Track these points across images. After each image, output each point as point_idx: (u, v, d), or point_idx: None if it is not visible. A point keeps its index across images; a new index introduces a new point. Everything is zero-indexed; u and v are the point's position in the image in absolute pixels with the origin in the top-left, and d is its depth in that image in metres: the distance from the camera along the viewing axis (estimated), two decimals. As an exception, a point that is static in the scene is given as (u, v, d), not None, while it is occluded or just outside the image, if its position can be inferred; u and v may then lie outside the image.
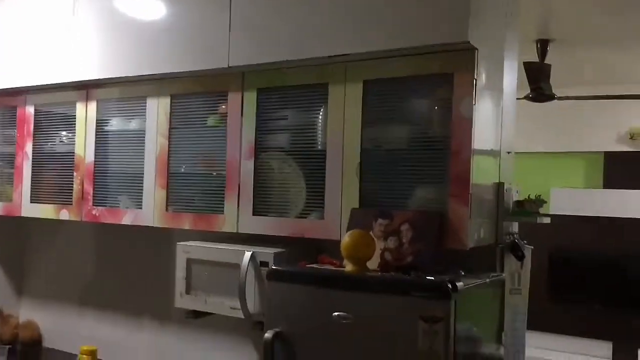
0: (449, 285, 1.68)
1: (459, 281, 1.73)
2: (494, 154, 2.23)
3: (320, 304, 1.87)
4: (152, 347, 3.06)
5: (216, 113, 2.60)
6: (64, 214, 2.97)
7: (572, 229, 5.40)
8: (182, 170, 2.69)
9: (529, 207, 2.21)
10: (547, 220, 2.34)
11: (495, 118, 2.25)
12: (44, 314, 3.49)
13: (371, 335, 1.77)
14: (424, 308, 1.67)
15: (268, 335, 1.92)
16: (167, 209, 2.64)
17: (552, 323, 5.11)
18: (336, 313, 1.82)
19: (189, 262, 2.50)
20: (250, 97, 2.44)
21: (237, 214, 2.44)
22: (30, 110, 3.16)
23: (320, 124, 2.35)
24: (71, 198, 2.94)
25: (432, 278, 1.77)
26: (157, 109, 2.69)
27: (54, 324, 3.45)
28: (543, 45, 4.25)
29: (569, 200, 5.48)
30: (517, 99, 2.58)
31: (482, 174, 2.09)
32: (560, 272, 5.58)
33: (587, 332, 5.25)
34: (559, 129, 5.81)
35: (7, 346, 3.30)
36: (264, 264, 2.29)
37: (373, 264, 2.03)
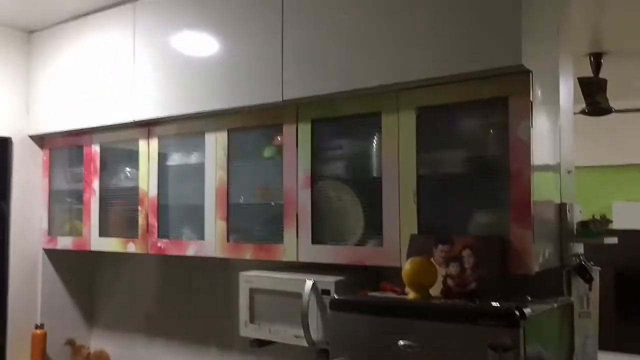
0: (517, 313, 1.66)
1: (527, 307, 1.70)
2: (554, 172, 2.20)
3: (384, 332, 1.87)
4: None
5: (272, 145, 2.67)
6: (131, 247, 3.09)
7: (637, 243, 5.18)
8: (241, 201, 2.76)
9: (594, 228, 2.15)
10: (614, 240, 2.27)
11: (552, 136, 2.22)
12: (113, 344, 3.62)
13: (438, 363, 1.77)
14: (493, 336, 1.66)
15: (334, 364, 1.93)
16: (228, 240, 2.71)
17: (621, 342, 4.90)
18: (402, 342, 1.82)
19: (252, 291, 2.56)
20: (305, 128, 2.50)
21: (296, 243, 2.48)
22: (96, 148, 3.32)
23: (375, 152, 2.38)
24: (137, 231, 3.06)
25: (499, 305, 1.75)
26: (215, 143, 2.79)
27: (124, 353, 3.57)
28: (597, 59, 4.16)
29: (632, 214, 5.27)
30: (574, 113, 2.54)
31: (543, 194, 2.06)
32: (627, 289, 5.35)
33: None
34: (617, 142, 5.63)
35: (81, 376, 3.44)
36: (326, 292, 2.32)
37: (435, 290, 2.02)
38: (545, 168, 2.11)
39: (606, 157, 5.70)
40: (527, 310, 1.69)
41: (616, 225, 4.90)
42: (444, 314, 1.80)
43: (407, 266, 2.00)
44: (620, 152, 5.68)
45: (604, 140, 5.51)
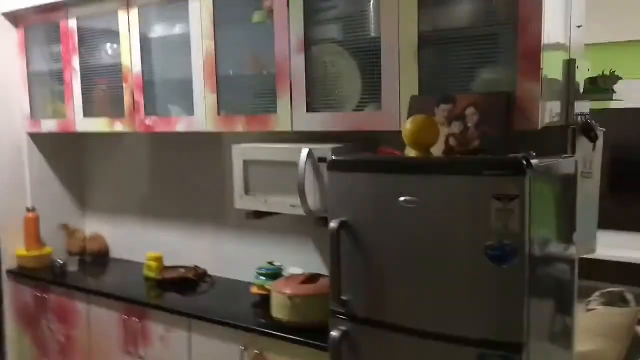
0: (524, 162, 1.59)
1: (533, 158, 1.64)
2: (564, 26, 2.06)
3: (385, 190, 1.82)
4: (214, 249, 3.13)
5: (261, 8, 2.48)
6: (118, 126, 2.98)
7: (633, 123, 5.13)
8: (231, 72, 2.62)
9: (602, 84, 2.06)
10: (622, 99, 2.19)
11: (563, -12, 2.06)
12: (108, 227, 3.61)
13: (440, 218, 1.73)
14: (497, 186, 1.60)
15: (333, 224, 1.90)
16: (219, 113, 2.60)
17: (612, 221, 4.98)
18: (402, 198, 1.77)
19: (246, 163, 2.48)
20: (297, -13, 2.31)
21: (290, 112, 2.38)
22: (72, 24, 3.11)
23: (373, 10, 2.21)
24: (123, 110, 2.94)
25: (504, 156, 1.68)
26: (200, 10, 2.59)
27: (119, 235, 3.57)
28: None
29: (629, 92, 5.16)
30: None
31: (552, 50, 1.94)
32: (623, 167, 5.37)
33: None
34: (626, 17, 5.39)
35: (77, 257, 3.44)
36: (322, 159, 2.25)
37: (437, 150, 1.95)
38: (555, 20, 1.97)
39: (607, 34, 5.50)
40: (533, 160, 1.62)
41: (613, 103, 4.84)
42: (446, 167, 1.73)
43: (407, 125, 1.91)
44: (620, 29, 5.46)
45: (613, 15, 5.29)
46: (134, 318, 2.77)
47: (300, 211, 2.32)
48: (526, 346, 1.64)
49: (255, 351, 2.36)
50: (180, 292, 2.88)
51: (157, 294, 2.87)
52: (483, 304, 1.68)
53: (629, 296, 4.37)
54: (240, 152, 2.50)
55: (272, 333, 2.32)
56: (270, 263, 2.72)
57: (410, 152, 1.93)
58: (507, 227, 1.60)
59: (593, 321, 2.96)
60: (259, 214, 2.54)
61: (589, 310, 3.38)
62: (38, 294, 3.18)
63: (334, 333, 1.92)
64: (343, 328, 1.93)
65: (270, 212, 2.49)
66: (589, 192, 2.23)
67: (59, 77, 3.25)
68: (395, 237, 1.81)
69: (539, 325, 1.77)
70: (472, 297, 1.69)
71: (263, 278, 2.66)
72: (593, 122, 2.11)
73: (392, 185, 1.80)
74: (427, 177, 1.74)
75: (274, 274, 2.66)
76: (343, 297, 1.91)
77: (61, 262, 3.22)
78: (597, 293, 4.38)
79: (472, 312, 1.69)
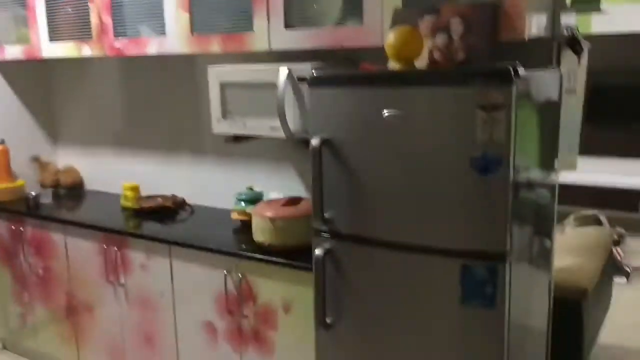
0: (511, 71, 1.55)
1: (519, 68, 1.59)
2: None
3: (368, 105, 1.77)
4: (192, 177, 3.08)
5: None
6: (86, 50, 2.84)
7: (614, 49, 5.11)
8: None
9: (590, -6, 2.00)
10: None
11: None
12: (82, 159, 3.52)
13: (424, 131, 1.69)
14: (483, 95, 1.56)
15: (315, 142, 1.85)
16: (192, 33, 2.48)
17: (590, 146, 5.04)
18: (386, 112, 1.73)
19: (223, 86, 2.40)
20: None
21: (267, 29, 2.28)
22: (31, -60, 2.91)
23: None
24: (90, 32, 2.79)
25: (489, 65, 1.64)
26: None
27: (93, 167, 3.48)
28: None
29: (614, 17, 5.09)
30: None
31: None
32: (602, 93, 5.39)
33: (621, 151, 5.20)
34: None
35: (51, 189, 3.36)
36: (302, 79, 2.18)
37: (421, 64, 1.90)
38: None
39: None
40: (520, 69, 1.58)
41: (593, 28, 4.80)
42: (431, 78, 1.68)
43: (390, 37, 1.84)
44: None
45: None
46: (113, 247, 2.74)
47: (280, 133, 2.27)
48: (510, 256, 1.65)
49: (239, 275, 2.36)
50: (159, 220, 2.84)
51: (136, 224, 2.83)
52: (467, 215, 1.67)
53: (603, 219, 4.48)
54: (216, 75, 2.41)
55: (255, 257, 2.30)
56: (250, 189, 2.69)
57: (394, 66, 1.87)
58: (492, 138, 1.58)
59: (570, 240, 3.03)
60: (237, 139, 2.48)
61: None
62: (13, 227, 3.12)
63: (317, 252, 1.92)
64: (327, 246, 1.92)
65: (249, 136, 2.43)
66: (572, 109, 2.21)
67: (21, 0, 3.06)
68: (379, 152, 1.78)
69: (521, 237, 1.78)
70: (456, 209, 1.69)
71: (243, 204, 2.63)
72: (579, 35, 2.07)
73: (376, 99, 1.75)
74: (411, 89, 1.69)
75: (255, 199, 2.62)
76: (326, 215, 1.89)
77: (34, 194, 3.14)
78: (572, 216, 4.48)
79: (456, 224, 1.69)
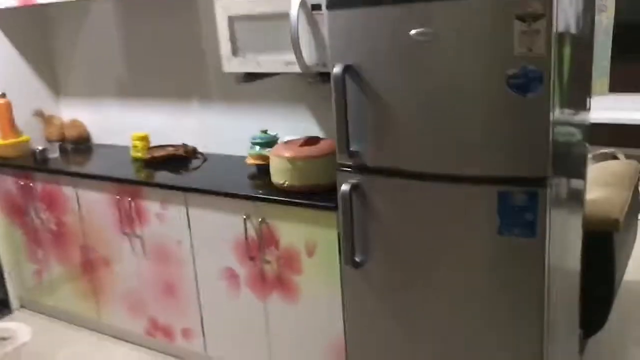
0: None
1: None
2: None
3: (392, 25, 1.64)
4: (202, 125, 2.98)
5: None
6: (84, -7, 2.69)
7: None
8: None
9: None
10: None
11: None
12: (86, 112, 3.40)
13: (456, 50, 1.57)
14: (522, 4, 1.43)
15: (337, 69, 1.73)
16: (196, -34, 2.34)
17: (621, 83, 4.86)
18: (414, 31, 1.60)
19: (231, 20, 2.26)
20: None
21: (277, -44, 2.13)
22: None
23: None
24: (87, -27, 2.64)
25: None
26: None
27: (99, 119, 3.37)
28: None
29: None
30: None
31: None
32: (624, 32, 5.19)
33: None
34: None
35: (57, 144, 3.27)
36: (316, 7, 2.04)
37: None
38: None
39: None
40: (562, -25, 1.44)
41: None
42: (464, -9, 1.54)
43: (414, -48, 1.69)
44: None
45: None
46: (126, 198, 2.66)
47: (295, 68, 2.14)
48: (550, 180, 1.56)
49: (259, 219, 2.28)
50: (171, 170, 2.75)
51: (148, 173, 2.74)
52: (504, 139, 1.57)
53: (621, 156, 4.36)
54: (223, 7, 2.26)
55: (274, 199, 2.22)
56: (265, 132, 2.58)
57: (418, -16, 1.73)
58: (532, 51, 1.46)
59: (596, 174, 2.93)
60: (250, 77, 2.36)
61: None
62: (22, 183, 3.04)
63: (344, 187, 1.82)
64: (353, 181, 1.83)
65: (262, 73, 2.31)
66: (604, 28, 2.08)
67: (10, -57, 2.89)
68: (406, 77, 1.66)
69: (560, 164, 1.68)
70: (492, 134, 1.58)
71: (258, 148, 2.53)
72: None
73: (401, 17, 1.62)
74: (441, 2, 1.56)
75: (270, 142, 2.52)
76: (352, 149, 1.79)
77: (41, 149, 3.04)
78: (589, 155, 4.36)
79: (492, 149, 1.59)
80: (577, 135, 1.93)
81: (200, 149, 2.97)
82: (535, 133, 1.53)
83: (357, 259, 1.88)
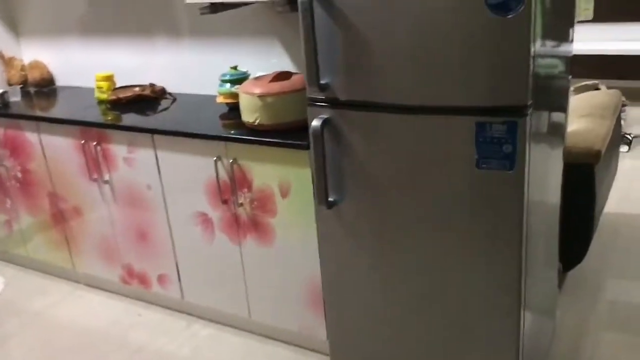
0: None
1: None
2: None
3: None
4: (170, 64, 2.83)
5: None
6: None
7: None
8: None
9: None
10: None
11: None
12: (49, 52, 3.22)
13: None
14: None
15: (304, -5, 1.60)
16: None
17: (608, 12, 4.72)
18: (386, -51, 1.47)
19: (192, -54, 2.09)
20: None
21: None
22: None
23: None
24: None
25: None
26: None
27: (62, 60, 3.20)
28: None
29: None
30: None
31: None
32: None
33: (623, 15, 4.90)
34: None
35: (19, 86, 3.10)
36: None
37: None
38: None
39: None
40: None
41: None
42: None
43: None
44: None
45: None
46: (92, 142, 2.54)
47: (263, -4, 2.00)
48: (530, 109, 1.47)
49: (230, 160, 2.19)
50: (138, 111, 2.62)
51: (114, 116, 2.61)
52: (484, 66, 1.47)
53: (603, 87, 4.29)
54: None
55: (245, 139, 2.12)
56: (234, 68, 2.45)
57: None
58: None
59: (578, 104, 2.86)
60: (214, 7, 2.21)
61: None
62: (-18, 130, 2.89)
63: (314, 122, 1.72)
64: (324, 116, 1.73)
65: (227, 3, 2.17)
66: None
67: None
68: (379, 1, 1.54)
69: (541, 94, 1.59)
70: (470, 60, 1.48)
71: (228, 85, 2.41)
72: None
73: None
74: None
75: (240, 79, 2.39)
76: (322, 81, 1.68)
77: (1, 92, 2.88)
78: (571, 87, 4.29)
79: (468, 77, 1.50)
80: (559, 66, 1.84)
81: (169, 89, 2.84)
82: (516, 58, 1.43)
83: (331, 199, 1.81)
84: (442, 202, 1.65)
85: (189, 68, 2.78)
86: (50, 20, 3.14)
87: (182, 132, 2.26)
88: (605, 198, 2.89)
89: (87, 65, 3.07)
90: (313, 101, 1.73)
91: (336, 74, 1.67)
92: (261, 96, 2.08)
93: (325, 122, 1.72)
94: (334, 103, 1.70)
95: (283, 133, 2.06)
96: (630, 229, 3.13)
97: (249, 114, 2.14)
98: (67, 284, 3.01)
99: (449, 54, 1.50)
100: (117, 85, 2.83)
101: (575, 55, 5.63)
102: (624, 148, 4.12)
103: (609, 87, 4.33)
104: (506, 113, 1.48)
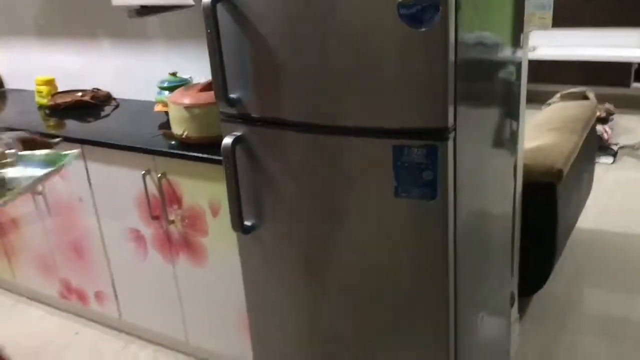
0: None
1: None
2: None
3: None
4: (116, 68, 2.68)
5: None
6: None
7: None
8: None
9: None
10: None
11: None
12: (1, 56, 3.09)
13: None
14: None
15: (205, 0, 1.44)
16: None
17: (582, 17, 4.54)
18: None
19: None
20: None
21: None
22: None
23: None
24: None
25: None
26: None
27: (11, 63, 3.05)
28: None
29: None
30: None
31: None
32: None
33: (614, 21, 4.71)
34: None
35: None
36: None
37: None
38: None
39: None
40: None
41: None
42: None
43: None
44: None
45: None
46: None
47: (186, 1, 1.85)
48: (453, 132, 1.30)
49: (158, 175, 2.03)
50: (77, 117, 2.47)
51: (53, 123, 2.46)
52: (397, 83, 1.31)
53: (591, 95, 4.09)
54: None
55: (172, 152, 1.97)
56: (174, 74, 2.29)
57: None
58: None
59: (549, 115, 2.68)
60: (144, 10, 2.05)
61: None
62: None
63: (226, 140, 1.56)
64: (237, 133, 1.57)
65: (156, 7, 2.01)
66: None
67: None
68: (287, 9, 1.37)
69: (471, 112, 1.43)
70: (384, 77, 1.32)
71: (166, 92, 2.25)
72: None
73: None
74: None
75: (179, 86, 2.24)
76: (232, 96, 1.52)
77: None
78: (557, 95, 4.10)
79: (385, 95, 1.33)
80: (502, 76, 1.67)
81: (115, 94, 2.69)
82: (432, 76, 1.27)
83: (248, 223, 1.65)
84: (362, 234, 1.48)
85: (133, 73, 2.63)
86: (3, 19, 3.00)
87: (110, 144, 2.11)
88: (576, 217, 2.71)
89: (37, 68, 2.92)
90: (226, 116, 1.57)
91: (246, 88, 1.51)
92: (188, 107, 1.93)
93: (237, 140, 1.56)
94: (246, 119, 1.54)
95: (212, 147, 1.90)
96: (606, 247, 2.95)
97: (177, 126, 1.99)
98: (8, 296, 2.87)
99: (360, 67, 1.33)
100: (59, 90, 2.68)
101: (566, 62, 5.44)
102: (608, 159, 3.93)
103: (600, 95, 4.15)
104: (425, 136, 1.31)
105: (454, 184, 1.35)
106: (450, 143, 1.31)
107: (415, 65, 1.27)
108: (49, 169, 1.49)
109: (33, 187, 1.43)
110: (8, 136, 1.43)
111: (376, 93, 1.33)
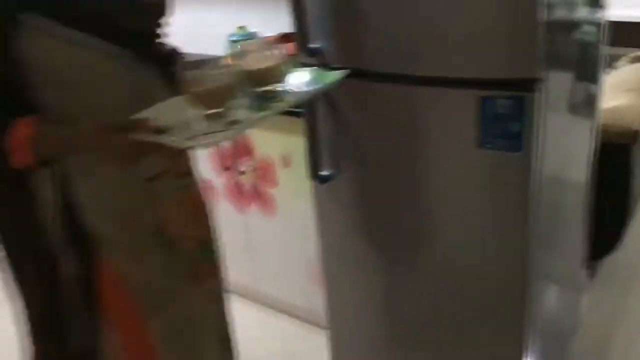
0: None
1: None
2: None
3: None
4: (178, 21, 2.70)
5: None
6: None
7: None
8: None
9: None
10: None
11: None
12: None
13: None
14: None
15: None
16: None
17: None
18: None
19: None
20: None
21: None
22: None
23: None
24: None
25: None
26: None
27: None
28: None
29: None
30: None
31: None
32: None
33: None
34: None
35: None
36: None
37: None
38: None
39: None
40: None
41: None
42: None
43: None
44: None
45: None
46: None
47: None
48: (543, 84, 1.28)
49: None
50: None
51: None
52: (486, 33, 1.29)
53: (663, 58, 3.91)
54: None
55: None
56: (242, 28, 2.31)
57: None
58: None
59: (621, 78, 2.58)
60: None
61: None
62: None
63: (305, 90, 1.57)
64: (317, 84, 1.57)
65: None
66: None
67: None
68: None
69: (558, 67, 1.39)
70: (475, 26, 1.30)
71: (238, 46, 2.27)
72: None
73: None
74: None
75: (249, 40, 2.26)
76: (312, 45, 1.52)
77: None
78: (624, 58, 3.93)
79: (472, 45, 1.31)
80: (587, 34, 1.62)
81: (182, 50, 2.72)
82: (525, 25, 1.24)
83: (324, 173, 1.67)
84: (443, 184, 1.49)
85: (196, 27, 2.65)
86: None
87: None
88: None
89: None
90: (305, 67, 1.58)
91: (328, 38, 1.51)
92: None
93: (317, 91, 1.57)
94: (327, 70, 1.54)
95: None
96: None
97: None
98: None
99: (449, 19, 1.31)
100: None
101: (633, 24, 5.16)
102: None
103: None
104: (514, 87, 1.30)
105: (539, 136, 1.34)
106: (538, 95, 1.29)
107: (507, 14, 1.25)
108: (318, 86, 1.27)
109: (300, 100, 1.18)
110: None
111: (465, 42, 1.31)
